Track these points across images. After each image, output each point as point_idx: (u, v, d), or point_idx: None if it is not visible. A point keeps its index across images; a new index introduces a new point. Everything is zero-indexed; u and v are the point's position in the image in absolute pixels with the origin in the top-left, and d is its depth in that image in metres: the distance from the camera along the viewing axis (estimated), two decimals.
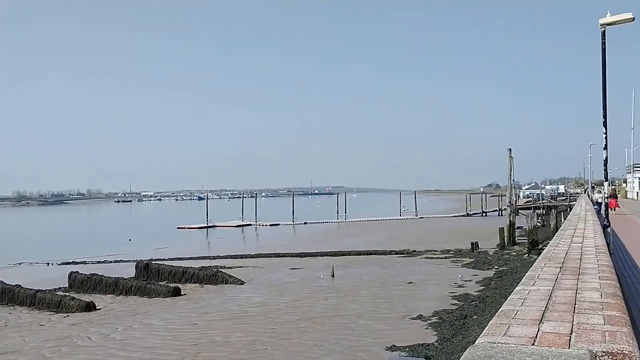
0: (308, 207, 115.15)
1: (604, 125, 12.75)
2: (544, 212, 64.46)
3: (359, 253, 35.71)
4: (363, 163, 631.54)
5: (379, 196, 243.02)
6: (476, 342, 2.85)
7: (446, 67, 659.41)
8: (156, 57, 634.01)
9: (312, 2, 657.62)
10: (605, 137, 12.84)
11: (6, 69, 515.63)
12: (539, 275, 5.16)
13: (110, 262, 36.51)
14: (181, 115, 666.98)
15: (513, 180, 45.93)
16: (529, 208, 67.13)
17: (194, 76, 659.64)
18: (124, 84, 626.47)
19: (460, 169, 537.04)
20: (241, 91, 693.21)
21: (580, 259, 6.46)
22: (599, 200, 34.03)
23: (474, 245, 35.03)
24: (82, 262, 36.15)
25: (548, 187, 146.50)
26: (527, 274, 5.35)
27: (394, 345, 14.05)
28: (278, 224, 69.80)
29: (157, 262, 30.78)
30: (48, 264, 37.07)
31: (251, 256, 36.06)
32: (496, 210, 78.35)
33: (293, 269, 29.43)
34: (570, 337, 2.85)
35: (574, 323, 3.14)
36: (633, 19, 12.30)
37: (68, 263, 35.84)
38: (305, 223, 70.41)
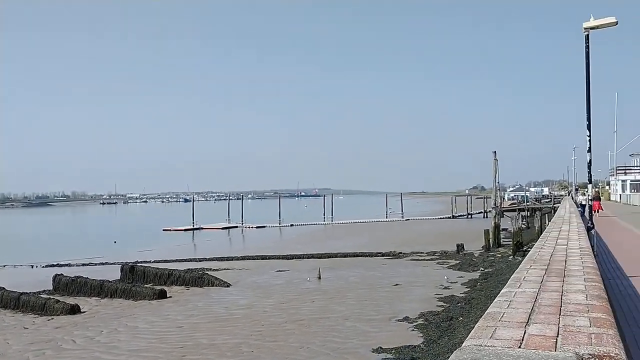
0: (295, 209, 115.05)
1: (587, 128, 12.88)
2: (528, 214, 64.94)
3: (345, 255, 35.72)
4: (350, 165, 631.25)
5: (366, 198, 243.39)
6: (463, 344, 2.85)
7: (430, 69, 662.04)
8: (141, 58, 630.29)
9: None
10: (589, 140, 12.97)
11: None
12: (524, 278, 5.19)
13: (96, 264, 36.28)
14: (167, 116, 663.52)
15: (498, 182, 46.24)
16: (514, 210, 67.72)
17: (180, 77, 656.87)
18: (107, 86, 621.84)
19: (446, 172, 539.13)
20: (229, 93, 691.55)
21: (566, 261, 6.51)
22: (583, 203, 34.40)
23: (460, 247, 35.19)
24: (66, 265, 35.86)
25: (532, 189, 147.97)
26: (512, 276, 5.39)
27: (380, 347, 14.06)
28: (264, 226, 69.70)
29: (143, 264, 30.57)
30: (32, 266, 36.72)
31: (237, 258, 35.95)
32: (481, 212, 78.88)
33: (279, 271, 29.38)
34: (556, 339, 2.87)
35: (560, 325, 3.16)
36: (616, 22, 12.45)
37: (52, 265, 35.51)
38: (291, 225, 70.35)
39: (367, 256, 35.20)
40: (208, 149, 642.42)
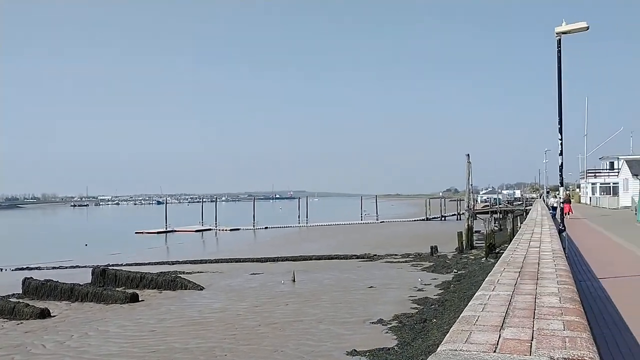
0: (269, 211, 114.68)
1: (559, 132, 13.02)
2: (501, 217, 65.77)
3: (320, 258, 35.68)
4: (324, 168, 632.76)
5: (341, 201, 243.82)
6: (438, 349, 2.83)
7: (406, 72, 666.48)
8: (116, 61, 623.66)
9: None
10: (561, 144, 13.12)
11: None
12: (498, 280, 5.21)
13: (66, 267, 35.69)
14: (140, 118, 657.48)
15: (471, 185, 46.67)
16: (487, 212, 68.39)
17: (150, 80, 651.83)
18: (79, 86, 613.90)
19: (420, 174, 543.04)
20: (203, 95, 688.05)
21: (539, 264, 6.56)
22: (554, 205, 34.89)
23: (434, 249, 35.42)
24: (36, 268, 35.20)
25: (505, 192, 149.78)
26: (487, 278, 5.40)
27: (355, 350, 14.07)
28: (238, 229, 69.29)
29: (115, 267, 30.19)
30: (1, 269, 35.95)
31: (211, 261, 35.69)
32: (455, 215, 79.43)
33: (253, 274, 29.23)
34: (531, 343, 2.86)
35: (534, 329, 3.16)
36: (587, 28, 12.61)
37: (22, 269, 34.82)
38: (266, 228, 70.09)
39: (341, 258, 35.22)
40: (181, 151, 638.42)
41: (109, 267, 29.28)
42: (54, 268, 35.35)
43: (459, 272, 26.80)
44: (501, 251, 24.73)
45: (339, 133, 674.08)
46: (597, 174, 65.15)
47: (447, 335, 3.10)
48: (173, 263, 35.63)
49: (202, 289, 24.83)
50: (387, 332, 15.83)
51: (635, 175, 48.65)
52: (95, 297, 23.05)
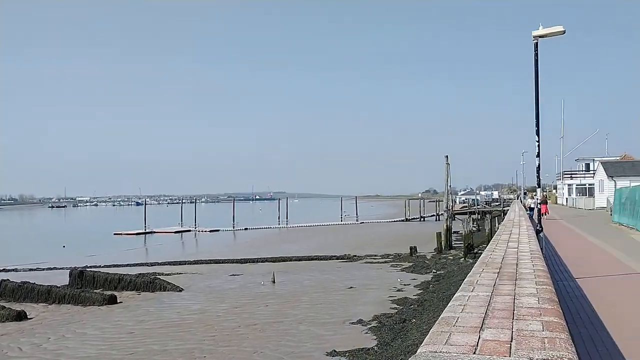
0: (249, 212, 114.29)
1: (536, 134, 13.16)
2: (479, 217, 66.31)
3: (300, 258, 35.65)
4: (305, 169, 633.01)
5: (321, 202, 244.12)
6: (418, 351, 2.84)
7: (382, 73, 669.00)
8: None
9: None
10: (538, 145, 13.26)
11: None
12: (477, 281, 5.24)
13: (43, 269, 35.14)
14: (119, 119, 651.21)
15: (450, 186, 47.00)
16: (465, 213, 69.00)
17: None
18: (57, 87, 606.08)
19: (400, 175, 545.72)
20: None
21: (517, 264, 6.62)
22: (532, 206, 35.25)
23: (413, 250, 35.57)
24: (13, 270, 34.64)
25: (483, 193, 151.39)
26: (466, 279, 5.43)
27: (335, 351, 14.08)
28: (218, 230, 68.91)
29: (92, 269, 29.86)
30: None
31: (190, 262, 35.46)
32: (434, 215, 79.92)
33: (233, 275, 29.11)
34: (510, 344, 2.88)
35: (513, 330, 3.18)
36: (564, 31, 12.78)
37: None
38: (246, 229, 69.79)
39: (321, 259, 35.22)
40: (160, 152, 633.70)
41: (87, 269, 28.94)
42: (30, 270, 34.81)
43: (438, 272, 26.96)
44: (479, 251, 24.93)
45: (320, 135, 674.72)
46: (573, 176, 66.04)
47: (427, 336, 3.11)
48: (152, 264, 35.32)
49: (181, 290, 24.66)
50: (366, 333, 15.87)
51: (610, 176, 49.37)
52: (72, 299, 22.78)
